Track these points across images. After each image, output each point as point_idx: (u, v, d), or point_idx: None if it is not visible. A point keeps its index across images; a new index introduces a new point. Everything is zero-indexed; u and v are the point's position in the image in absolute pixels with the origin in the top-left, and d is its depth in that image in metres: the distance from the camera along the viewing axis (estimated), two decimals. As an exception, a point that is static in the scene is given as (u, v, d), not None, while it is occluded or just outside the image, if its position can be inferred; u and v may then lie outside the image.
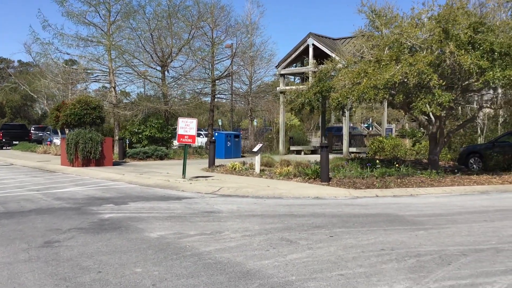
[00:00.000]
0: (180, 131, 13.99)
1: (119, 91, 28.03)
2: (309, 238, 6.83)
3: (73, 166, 18.36)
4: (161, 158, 23.17)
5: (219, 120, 58.78)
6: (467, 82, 15.26)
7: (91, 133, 18.50)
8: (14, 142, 35.58)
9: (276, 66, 29.42)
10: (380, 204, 10.17)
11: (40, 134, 39.80)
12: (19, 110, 72.76)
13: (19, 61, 73.04)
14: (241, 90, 35.49)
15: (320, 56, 25.74)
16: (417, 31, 14.34)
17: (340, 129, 42.89)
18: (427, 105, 13.68)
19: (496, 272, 5.22)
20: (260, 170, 16.34)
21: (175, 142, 34.93)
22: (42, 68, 29.32)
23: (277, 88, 29.61)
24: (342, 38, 29.13)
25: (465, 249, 6.19)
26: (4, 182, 14.03)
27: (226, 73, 29.23)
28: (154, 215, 8.69)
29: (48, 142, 32.67)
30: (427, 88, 13.97)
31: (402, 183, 12.90)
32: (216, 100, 32.25)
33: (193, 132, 13.94)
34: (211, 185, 12.78)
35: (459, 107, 18.79)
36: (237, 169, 16.96)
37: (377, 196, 11.37)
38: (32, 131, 41.10)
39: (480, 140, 24.25)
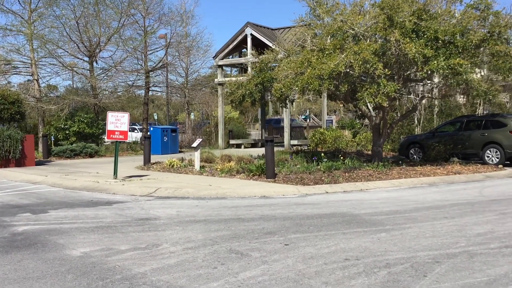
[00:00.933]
0: (110, 126, 12.62)
1: (44, 85, 25.77)
2: (261, 248, 5.93)
3: (-12, 167, 16.38)
4: (91, 155, 21.47)
5: (155, 114, 56.70)
6: (408, 72, 15.03)
7: (10, 130, 16.57)
8: None
9: (213, 57, 28.30)
10: (332, 202, 9.47)
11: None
12: None
13: None
14: (177, 82, 34.08)
15: (259, 47, 24.95)
16: (361, 19, 13.83)
17: (279, 121, 42.63)
18: (372, 95, 13.21)
19: (480, 283, 4.57)
20: (200, 166, 15.30)
21: (107, 138, 33.14)
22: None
23: (215, 80, 28.52)
24: (281, 28, 28.51)
25: (436, 254, 5.54)
26: None
27: (160, 64, 27.74)
28: (79, 225, 7.44)
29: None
30: (372, 78, 13.53)
31: (350, 177, 12.34)
32: (150, 93, 30.68)
33: (125, 127, 12.63)
34: (147, 185, 11.58)
35: (401, 98, 18.67)
36: (175, 166, 15.79)
37: (327, 192, 10.70)
38: None
39: (418, 131, 24.54)
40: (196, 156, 15.39)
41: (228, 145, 28.85)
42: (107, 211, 8.65)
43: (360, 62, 12.48)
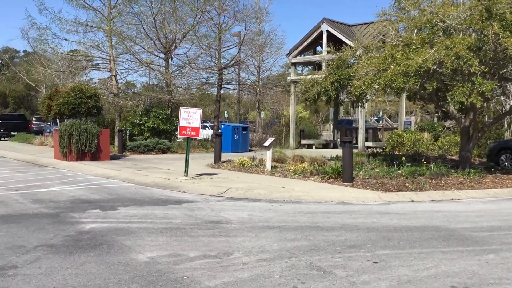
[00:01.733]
0: (182, 122, 12.31)
1: (122, 81, 26.35)
2: (347, 265, 5.15)
3: (66, 160, 16.77)
4: (163, 151, 21.55)
5: (226, 112, 57.02)
6: (505, 70, 13.50)
7: (86, 124, 16.88)
8: (12, 133, 34.10)
9: (286, 55, 27.65)
10: (420, 212, 8.45)
11: (41, 125, 38.35)
12: (23, 100, 71.24)
13: (25, 51, 71.52)
14: (248, 80, 33.80)
15: (335, 44, 23.97)
16: (454, 10, 12.53)
17: (351, 122, 41.18)
18: (465, 95, 11.90)
19: None
20: (272, 166, 14.68)
21: (179, 135, 33.47)
22: (40, 55, 27.67)
23: (288, 78, 27.87)
24: (358, 24, 27.32)
25: None
26: (-16, 178, 12.46)
27: (233, 61, 27.48)
28: (147, 226, 7.05)
29: (47, 133, 31.20)
30: (464, 75, 12.22)
31: (438, 185, 11.16)
32: (222, 91, 30.53)
33: (197, 124, 12.27)
34: (217, 185, 11.12)
35: (493, 98, 17.00)
36: (246, 165, 15.29)
37: (413, 201, 9.65)
38: (33, 122, 39.67)
39: (508, 135, 22.42)
40: (268, 155, 14.80)
41: (299, 145, 28.11)
42: (177, 211, 8.23)
43: (453, 58, 11.26)
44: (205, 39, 24.97)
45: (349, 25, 27.32)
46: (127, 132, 23.19)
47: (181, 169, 14.15)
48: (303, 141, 28.69)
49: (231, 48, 28.05)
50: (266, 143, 14.96)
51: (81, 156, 16.75)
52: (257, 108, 40.42)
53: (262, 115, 37.81)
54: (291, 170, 13.91)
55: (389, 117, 58.36)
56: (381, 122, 56.64)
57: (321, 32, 25.55)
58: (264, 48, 28.91)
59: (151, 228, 6.87)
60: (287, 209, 8.62)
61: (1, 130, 34.48)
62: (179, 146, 23.81)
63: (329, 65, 17.13)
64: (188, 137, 12.43)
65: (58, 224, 7.09)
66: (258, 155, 17.98)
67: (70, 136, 16.51)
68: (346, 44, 19.50)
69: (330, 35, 25.20)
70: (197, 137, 12.54)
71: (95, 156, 17.10)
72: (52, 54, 25.14)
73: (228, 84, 29.90)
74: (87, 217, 7.59)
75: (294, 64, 27.46)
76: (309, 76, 26.57)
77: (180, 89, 25.76)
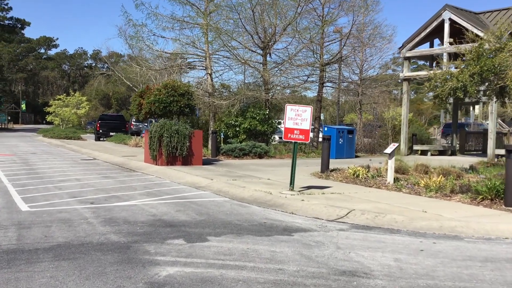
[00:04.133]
0: (288, 123, 9.92)
1: (217, 79, 24.73)
2: None
3: (156, 164, 15.19)
4: (260, 156, 19.43)
5: (321, 114, 54.03)
6: None
7: (178, 124, 15.16)
8: (111, 134, 34.22)
9: (399, 48, 24.30)
10: None
11: (139, 126, 38.43)
12: (125, 102, 74.05)
13: (128, 55, 74.35)
14: (350, 79, 30.74)
15: (457, 35, 20.38)
16: None
17: (462, 125, 36.49)
18: None
19: None
20: (394, 179, 11.84)
21: (276, 137, 31.29)
22: (136, 54, 27.05)
23: (401, 75, 24.51)
24: (487, 12, 23.30)
25: None
26: (64, 185, 11.00)
27: (338, 56, 24.70)
28: (248, 275, 4.69)
29: (143, 134, 30.70)
30: None
31: None
32: (324, 89, 27.86)
33: (307, 125, 9.79)
34: (334, 204, 8.56)
35: None
36: (360, 176, 12.56)
37: None
38: (133, 122, 39.90)
39: None
40: (390, 165, 11.95)
41: (411, 151, 24.67)
42: (287, 248, 5.80)
43: None
44: (307, 32, 22.49)
45: (475, 13, 23.39)
46: (221, 134, 21.45)
47: (283, 179, 11.81)
48: (416, 147, 25.17)
49: (335, 42, 25.34)
50: (388, 150, 12.12)
51: (171, 160, 15.07)
52: (359, 109, 37.24)
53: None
54: (422, 185, 10.96)
55: (503, 121, 51.88)
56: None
57: (442, 21, 21.97)
58: (373, 41, 25.75)
59: (252, 280, 4.51)
60: (448, 251, 5.83)
61: (100, 131, 34.74)
62: (276, 150, 21.62)
63: (470, 53, 13.80)
64: (295, 142, 10.00)
65: (125, 264, 4.98)
66: (366, 162, 15.16)
67: (160, 138, 14.89)
68: (472, 34, 16.03)
69: (453, 23, 21.55)
70: (306, 142, 10.08)
71: (187, 160, 15.35)
72: (147, 51, 24.21)
73: (331, 81, 27.13)
74: (165, 253, 5.42)
75: (408, 58, 24.04)
76: (426, 72, 23.07)
77: (279, 87, 23.52)
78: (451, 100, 23.00)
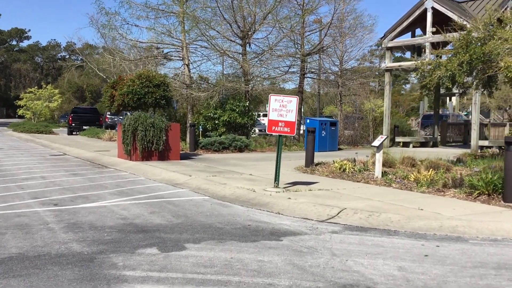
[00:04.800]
0: (272, 114, 9.18)
1: (195, 70, 23.78)
2: None
3: (130, 159, 14.30)
4: (241, 150, 18.68)
5: (302, 107, 53.57)
6: None
7: (154, 117, 14.28)
8: (84, 127, 32.96)
9: (381, 38, 23.81)
10: None
11: (115, 119, 37.18)
12: (99, 95, 72.17)
13: (103, 47, 72.35)
14: (330, 70, 30.12)
15: (440, 24, 19.99)
16: None
17: (441, 117, 36.44)
18: None
19: None
20: (382, 173, 11.27)
21: (256, 130, 30.56)
22: (109, 44, 25.86)
23: (382, 65, 24.06)
24: (469, 1, 22.93)
25: None
26: (27, 184, 10.06)
27: (319, 46, 24.04)
28: (233, 294, 3.97)
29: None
30: None
31: None
32: (305, 80, 27.20)
33: (292, 116, 9.08)
34: (323, 202, 7.89)
35: None
36: (347, 170, 11.95)
37: None
38: (108, 116, 38.58)
39: None
40: (378, 158, 11.36)
41: (393, 143, 24.29)
42: (277, 256, 5.09)
43: None
44: (288, 21, 21.74)
45: (458, 2, 23.00)
46: (200, 127, 20.62)
47: (266, 174, 11.12)
48: (398, 139, 24.81)
49: (316, 32, 24.68)
50: (376, 143, 11.51)
51: (147, 155, 14.20)
52: (339, 101, 36.82)
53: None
54: (412, 179, 10.41)
55: (480, 112, 52.13)
56: (470, 117, 50.77)
57: (425, 10, 21.54)
58: (354, 31, 25.15)
59: (240, 303, 3.79)
60: (455, 257, 5.21)
61: (73, 124, 33.44)
62: (257, 143, 20.91)
63: (441, 46, 13.25)
64: (279, 135, 9.27)
65: (86, 282, 4.19)
66: (350, 155, 14.57)
67: (134, 132, 14.00)
68: (456, 23, 15.57)
69: (436, 13, 21.12)
70: (292, 135, 9.36)
71: (163, 155, 14.50)
72: (121, 40, 23.15)
73: (312, 72, 26.51)
74: (135, 266, 4.65)
75: (390, 49, 23.57)
76: (408, 63, 22.67)
77: (259, 78, 22.74)
78: (441, 90, 22.63)
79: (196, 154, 17.10)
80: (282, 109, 9.13)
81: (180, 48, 22.12)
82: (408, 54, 31.61)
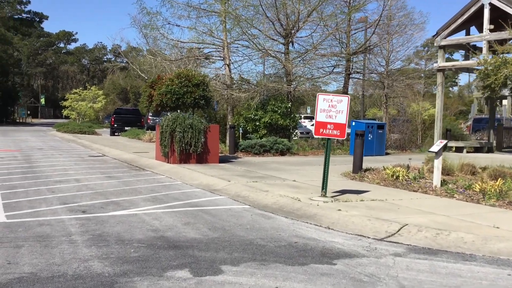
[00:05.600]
0: (319, 116, 8.27)
1: (236, 70, 23.07)
2: None
3: (168, 161, 13.72)
4: (282, 153, 17.79)
5: (343, 109, 51.81)
6: None
7: (192, 118, 13.63)
8: (126, 128, 32.96)
9: (433, 36, 22.34)
10: None
11: (157, 120, 37.11)
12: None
13: (147, 50, 73.19)
14: (376, 70, 28.74)
15: (496, 21, 18.57)
16: None
17: (487, 121, 34.41)
18: None
19: None
20: (441, 181, 10.13)
21: (298, 132, 29.53)
22: (150, 44, 25.57)
23: (435, 65, 22.56)
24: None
25: None
26: (59, 187, 9.56)
27: (366, 45, 22.83)
28: None
29: (158, 129, 29.30)
30: None
31: None
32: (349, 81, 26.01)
33: (343, 118, 8.15)
34: (378, 216, 6.91)
35: None
36: (401, 177, 10.86)
37: None
38: (149, 117, 38.58)
39: None
40: (436, 166, 10.23)
41: (445, 148, 22.65)
42: (332, 287, 4.19)
43: None
44: (334, 18, 20.70)
45: (518, -4, 21.27)
46: (240, 128, 19.90)
47: (311, 180, 10.22)
48: (451, 143, 23.16)
49: (362, 30, 23.49)
50: (434, 148, 10.38)
51: (184, 157, 13.56)
52: (384, 103, 35.35)
53: (382, 113, 32.92)
54: (477, 190, 9.24)
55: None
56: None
57: (482, 6, 19.95)
58: (404, 29, 23.75)
59: None
60: (556, 294, 4.16)
61: (115, 125, 33.50)
62: (299, 147, 19.99)
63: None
64: (328, 138, 8.35)
65: (102, 315, 3.45)
66: (404, 161, 13.44)
67: (172, 133, 13.39)
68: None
69: (494, 9, 19.54)
70: (342, 138, 8.37)
71: (202, 157, 13.82)
72: (162, 40, 22.76)
73: (357, 73, 25.33)
74: (161, 296, 3.87)
75: (443, 47, 22.07)
76: (465, 62, 21.21)
77: (302, 78, 21.79)
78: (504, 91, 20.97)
79: (236, 157, 16.36)
80: (331, 110, 8.20)
81: (221, 47, 21.51)
82: (456, 56, 29.92)
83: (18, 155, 16.61)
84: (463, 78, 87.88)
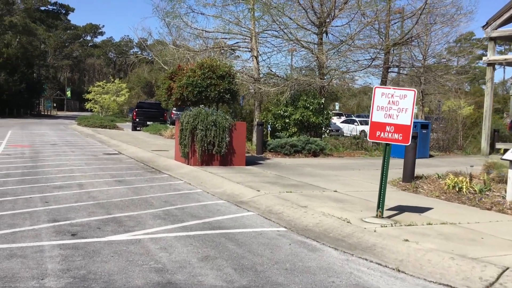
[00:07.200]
0: (376, 115, 6.49)
1: (265, 64, 21.31)
2: None
3: (188, 163, 12.14)
4: (315, 154, 16.02)
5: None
6: None
7: (216, 114, 11.99)
8: (148, 123, 31.66)
9: (482, 27, 20.19)
10: None
11: (180, 115, 35.73)
12: (167, 90, 71.85)
13: (173, 43, 71.96)
14: (413, 64, 26.54)
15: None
16: None
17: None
18: None
19: None
20: (516, 196, 8.24)
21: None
22: (173, 34, 24.05)
23: (484, 59, 20.43)
24: None
25: None
26: (56, 196, 8.04)
27: (408, 35, 20.77)
28: None
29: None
30: None
31: None
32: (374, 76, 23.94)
33: (407, 118, 6.35)
34: (461, 250, 5.12)
35: None
36: (464, 189, 8.99)
37: None
38: (173, 111, 37.24)
39: None
40: (511, 177, 8.33)
41: (493, 150, 20.61)
42: None
43: None
44: (374, 5, 18.73)
45: None
46: (268, 126, 18.21)
47: (356, 191, 8.49)
48: (499, 145, 21.03)
49: (404, 20, 21.42)
50: (509, 155, 8.48)
51: (207, 159, 11.95)
52: (421, 100, 33.22)
53: (416, 111, 30.89)
54: None
55: None
56: None
57: (542, -9, 17.76)
58: (450, 19, 21.55)
59: None
60: None
61: (137, 119, 32.22)
62: (332, 147, 18.19)
63: None
64: (386, 143, 6.57)
65: None
66: (455, 166, 11.53)
67: (193, 131, 11.78)
68: None
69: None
70: (405, 144, 6.54)
71: (226, 159, 12.19)
72: (185, 29, 21.24)
73: (397, 66, 23.31)
74: None
75: (494, 39, 19.93)
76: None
77: (337, 72, 19.91)
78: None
79: (264, 158, 14.68)
80: (391, 107, 6.42)
81: (249, 37, 19.84)
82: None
83: (27, 151, 15.27)
84: (497, 75, 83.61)
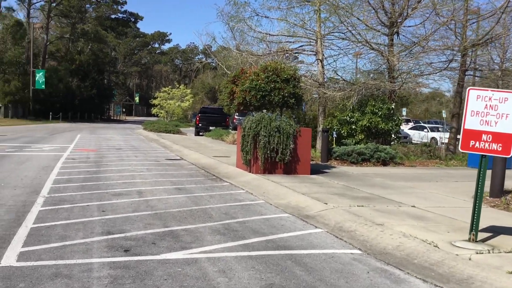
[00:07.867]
0: (469, 121, 5.55)
1: (331, 68, 20.45)
2: None
3: (250, 171, 11.57)
4: (384, 163, 14.95)
5: (443, 112, 47.15)
6: None
7: (280, 120, 11.34)
8: (210, 128, 31.66)
9: None
10: None
11: (243, 120, 35.56)
12: (230, 95, 72.40)
13: (237, 48, 72.53)
14: (489, 68, 24.53)
15: None
16: None
17: None
18: None
19: None
20: None
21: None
22: (237, 38, 23.76)
23: None
24: None
25: None
26: (113, 204, 7.69)
27: (486, 37, 19.13)
28: None
29: (243, 130, 27.54)
30: None
31: None
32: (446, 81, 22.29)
33: (509, 125, 5.38)
34: None
35: None
36: None
37: None
38: (236, 116, 37.20)
39: None
40: None
41: None
42: None
43: None
44: (451, 3, 17.35)
45: None
46: (334, 132, 17.33)
47: (437, 206, 7.55)
48: None
49: (484, 19, 19.78)
50: None
51: (269, 166, 11.31)
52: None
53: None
54: None
55: None
56: None
57: None
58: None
59: None
60: None
61: (200, 125, 32.30)
62: (402, 155, 16.97)
63: None
64: (482, 155, 5.60)
65: None
66: None
67: (255, 137, 11.20)
68: None
69: None
70: (507, 156, 5.55)
71: (290, 167, 11.49)
72: (248, 33, 20.85)
73: (476, 69, 21.61)
74: None
75: None
76: None
77: (408, 75, 18.66)
78: None
79: (329, 166, 13.84)
80: (489, 113, 5.46)
81: (314, 40, 19.08)
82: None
83: (92, 155, 15.37)
84: None
